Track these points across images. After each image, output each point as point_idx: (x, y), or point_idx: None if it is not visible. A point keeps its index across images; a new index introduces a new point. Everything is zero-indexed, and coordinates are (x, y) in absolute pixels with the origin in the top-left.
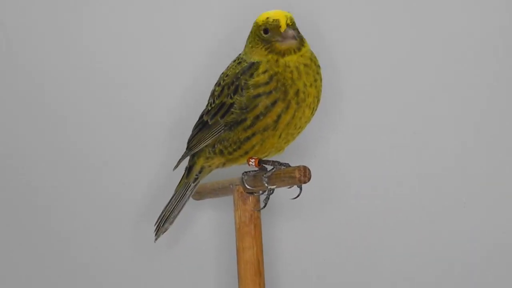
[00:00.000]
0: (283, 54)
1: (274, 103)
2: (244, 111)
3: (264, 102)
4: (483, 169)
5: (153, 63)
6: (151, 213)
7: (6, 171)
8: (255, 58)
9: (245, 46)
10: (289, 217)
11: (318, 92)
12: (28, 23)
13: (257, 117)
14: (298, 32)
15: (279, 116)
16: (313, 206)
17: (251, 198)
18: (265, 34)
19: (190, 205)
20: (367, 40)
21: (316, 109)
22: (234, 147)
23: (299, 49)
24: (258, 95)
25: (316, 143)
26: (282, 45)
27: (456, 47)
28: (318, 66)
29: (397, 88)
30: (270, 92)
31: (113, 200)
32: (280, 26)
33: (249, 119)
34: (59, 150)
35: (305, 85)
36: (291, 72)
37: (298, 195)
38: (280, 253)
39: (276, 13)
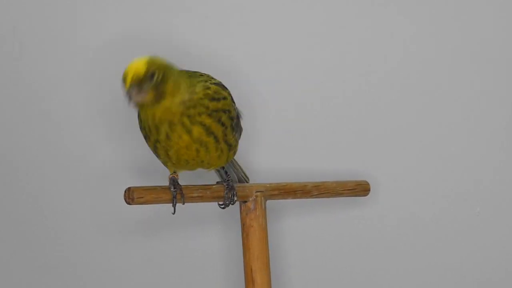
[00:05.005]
0: (141, 107)
1: (145, 138)
2: None
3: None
4: (497, 177)
5: None
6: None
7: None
8: None
9: None
10: (297, 226)
11: (199, 139)
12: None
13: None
14: (156, 84)
15: (155, 151)
16: (322, 215)
17: (242, 206)
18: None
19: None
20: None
21: (209, 150)
22: None
23: (158, 101)
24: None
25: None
26: (130, 105)
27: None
28: (214, 109)
29: (405, 93)
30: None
31: (117, 215)
32: (125, 84)
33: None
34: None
35: (169, 138)
36: (150, 124)
37: (173, 213)
38: (287, 263)
39: (132, 65)
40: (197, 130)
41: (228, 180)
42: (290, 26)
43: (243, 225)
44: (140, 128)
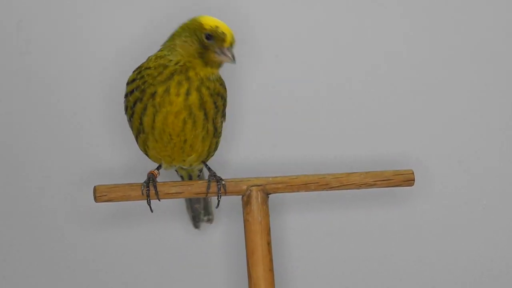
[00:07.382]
0: (207, 63)
1: (134, 104)
2: (126, 112)
3: (129, 102)
4: (503, 170)
5: None
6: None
7: None
8: (178, 51)
9: (170, 39)
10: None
11: (190, 107)
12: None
13: (130, 119)
14: None
15: (141, 119)
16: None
17: (242, 201)
18: (207, 40)
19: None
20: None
21: (197, 125)
22: (139, 148)
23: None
24: (126, 95)
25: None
26: (217, 58)
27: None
28: (215, 92)
29: (405, 92)
30: (133, 91)
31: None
32: (225, 41)
33: (129, 120)
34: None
35: (167, 91)
36: (160, 73)
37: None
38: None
39: (224, 25)
40: (195, 97)
41: (214, 174)
42: (291, 25)
43: (239, 223)
44: (134, 90)
